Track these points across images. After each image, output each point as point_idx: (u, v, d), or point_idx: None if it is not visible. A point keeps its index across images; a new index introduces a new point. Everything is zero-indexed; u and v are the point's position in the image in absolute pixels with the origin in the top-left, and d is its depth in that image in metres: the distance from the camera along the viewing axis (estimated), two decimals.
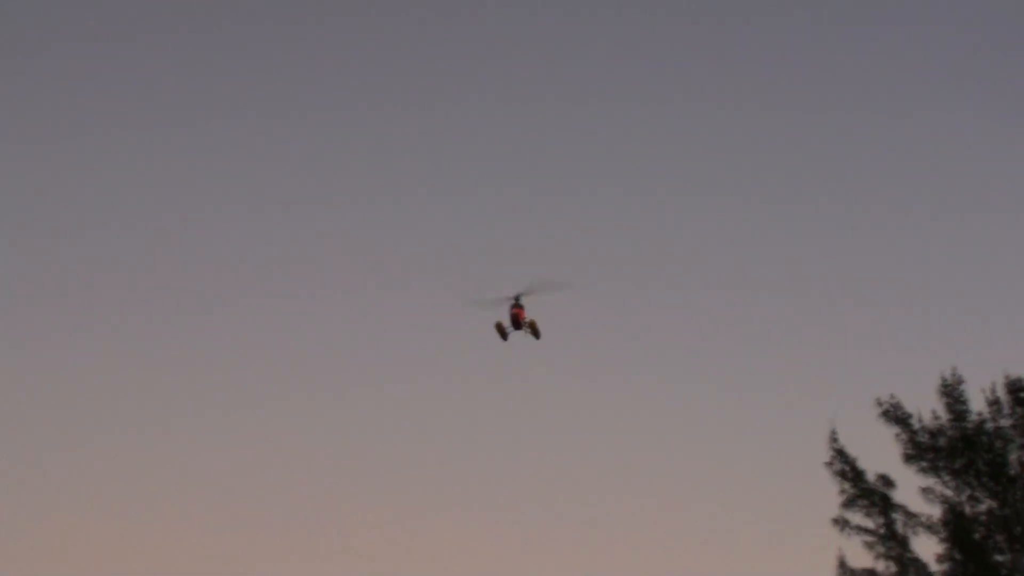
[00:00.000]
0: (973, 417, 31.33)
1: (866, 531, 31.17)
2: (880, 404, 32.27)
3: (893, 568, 30.58)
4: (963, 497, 30.80)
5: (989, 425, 31.07)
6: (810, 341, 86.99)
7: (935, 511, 30.91)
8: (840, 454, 32.08)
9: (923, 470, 31.43)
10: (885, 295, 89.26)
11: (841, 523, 31.43)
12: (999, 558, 29.80)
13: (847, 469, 31.88)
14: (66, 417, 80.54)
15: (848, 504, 31.59)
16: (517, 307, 44.49)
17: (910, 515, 31.09)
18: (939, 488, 31.14)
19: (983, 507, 30.53)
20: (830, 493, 31.81)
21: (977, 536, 30.08)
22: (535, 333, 44.30)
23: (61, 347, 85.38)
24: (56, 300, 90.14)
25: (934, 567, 30.38)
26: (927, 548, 30.66)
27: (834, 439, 32.22)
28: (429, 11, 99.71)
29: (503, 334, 44.16)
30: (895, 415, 32.07)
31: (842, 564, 31.03)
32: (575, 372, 79.45)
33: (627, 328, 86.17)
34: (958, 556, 29.99)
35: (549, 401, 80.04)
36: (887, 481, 31.57)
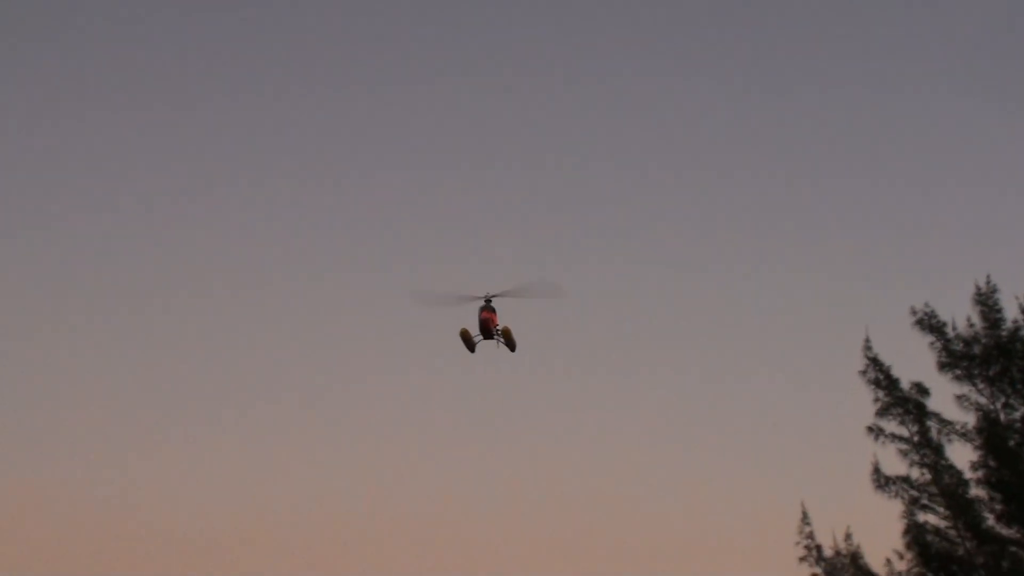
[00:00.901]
0: (1008, 325, 31.12)
1: (900, 439, 31.14)
2: (915, 313, 32.09)
3: (927, 475, 30.61)
4: (997, 405, 30.76)
5: (1023, 332, 31.03)
6: (845, 251, 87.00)
7: (969, 419, 30.83)
8: (874, 362, 31.94)
9: (957, 378, 31.31)
10: (919, 203, 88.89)
11: (875, 431, 31.37)
12: None
13: (881, 377, 31.77)
14: (59, 417, 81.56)
15: (882, 412, 31.51)
16: (488, 311, 38.23)
17: (944, 423, 31.06)
18: (973, 396, 31.05)
19: (1018, 414, 30.45)
20: (864, 401, 31.87)
21: (1012, 443, 30.09)
22: (509, 343, 38.10)
23: (57, 346, 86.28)
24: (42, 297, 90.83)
25: (968, 474, 30.40)
26: (961, 455, 30.66)
27: (868, 347, 32.07)
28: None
29: (470, 344, 37.87)
30: (929, 324, 31.91)
31: (876, 471, 31.10)
32: (560, 373, 79.57)
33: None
34: (992, 463, 30.00)
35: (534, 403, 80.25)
36: (921, 389, 31.47)
